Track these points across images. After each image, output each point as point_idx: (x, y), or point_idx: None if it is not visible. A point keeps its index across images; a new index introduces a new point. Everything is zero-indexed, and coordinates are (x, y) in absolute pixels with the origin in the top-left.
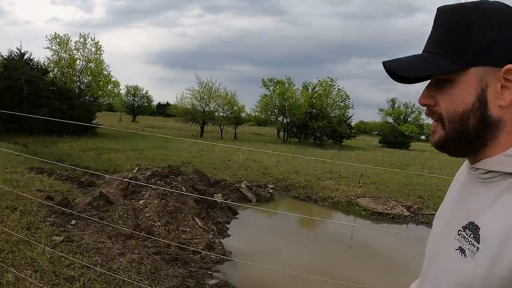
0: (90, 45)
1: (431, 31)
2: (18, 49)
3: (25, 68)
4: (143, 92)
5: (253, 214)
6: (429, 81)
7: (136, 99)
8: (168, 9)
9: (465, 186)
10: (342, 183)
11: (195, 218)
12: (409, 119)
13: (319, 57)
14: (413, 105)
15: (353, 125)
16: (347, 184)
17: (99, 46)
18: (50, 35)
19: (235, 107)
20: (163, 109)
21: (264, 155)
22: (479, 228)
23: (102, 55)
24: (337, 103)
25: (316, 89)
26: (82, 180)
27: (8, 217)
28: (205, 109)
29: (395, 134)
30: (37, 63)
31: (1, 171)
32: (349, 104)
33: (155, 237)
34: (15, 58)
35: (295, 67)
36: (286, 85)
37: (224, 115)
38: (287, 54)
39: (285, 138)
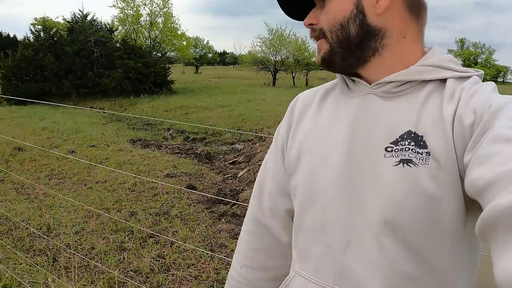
0: None
1: None
2: (80, 11)
3: (93, 29)
4: (204, 42)
5: None
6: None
7: (197, 50)
8: None
9: (358, 107)
10: None
11: None
12: (479, 60)
13: None
14: (483, 45)
15: None
16: None
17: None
18: None
19: (306, 53)
20: (220, 58)
21: None
22: (420, 135)
23: (171, 8)
24: None
25: None
26: (198, 152)
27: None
28: (277, 57)
29: None
30: (101, 22)
31: (104, 147)
32: None
33: None
34: (78, 20)
35: None
36: None
37: (296, 62)
38: None
39: None
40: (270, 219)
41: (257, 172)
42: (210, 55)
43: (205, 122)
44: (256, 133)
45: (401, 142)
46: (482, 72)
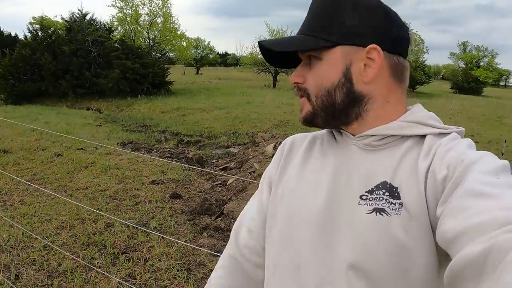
0: None
1: (306, 16)
2: (79, 10)
3: (91, 29)
4: (205, 43)
5: None
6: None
7: (198, 51)
8: None
9: (341, 156)
10: None
11: None
12: (482, 63)
13: None
14: (485, 48)
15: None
16: None
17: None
18: None
19: None
20: (222, 59)
21: None
22: (395, 187)
23: (170, 8)
24: (412, 47)
25: None
26: (190, 156)
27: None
28: None
29: (467, 80)
30: (100, 22)
31: (92, 150)
32: (423, 48)
33: None
34: (77, 19)
35: None
36: None
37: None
38: None
39: None
40: (245, 256)
41: (246, 180)
42: (211, 56)
43: (201, 124)
44: (252, 136)
45: (376, 192)
46: (463, 129)
